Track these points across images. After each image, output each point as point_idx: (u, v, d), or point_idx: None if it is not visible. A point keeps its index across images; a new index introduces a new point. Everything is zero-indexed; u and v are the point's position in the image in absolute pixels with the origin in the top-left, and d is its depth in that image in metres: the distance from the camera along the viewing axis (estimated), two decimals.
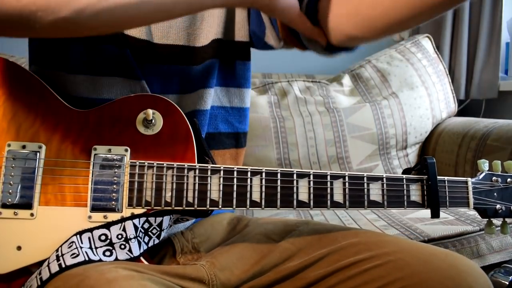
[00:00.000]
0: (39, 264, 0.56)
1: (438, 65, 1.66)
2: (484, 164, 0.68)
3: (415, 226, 1.04)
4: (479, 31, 1.80)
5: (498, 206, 0.67)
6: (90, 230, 0.57)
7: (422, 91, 1.59)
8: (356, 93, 1.62)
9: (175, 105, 0.63)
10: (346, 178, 0.62)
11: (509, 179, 0.68)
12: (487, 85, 1.80)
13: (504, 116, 1.77)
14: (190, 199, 0.59)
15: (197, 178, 0.59)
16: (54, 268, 0.53)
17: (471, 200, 0.66)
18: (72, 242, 0.56)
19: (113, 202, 0.58)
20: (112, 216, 0.58)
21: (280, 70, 1.81)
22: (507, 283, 0.88)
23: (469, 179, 0.66)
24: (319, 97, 1.59)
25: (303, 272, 0.63)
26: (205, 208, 0.59)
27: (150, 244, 0.60)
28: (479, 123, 1.47)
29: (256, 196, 0.60)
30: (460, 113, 1.84)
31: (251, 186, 0.60)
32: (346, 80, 1.66)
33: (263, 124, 1.48)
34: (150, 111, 0.60)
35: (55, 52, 0.66)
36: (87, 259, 0.54)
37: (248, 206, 0.60)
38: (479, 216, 1.09)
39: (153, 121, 0.61)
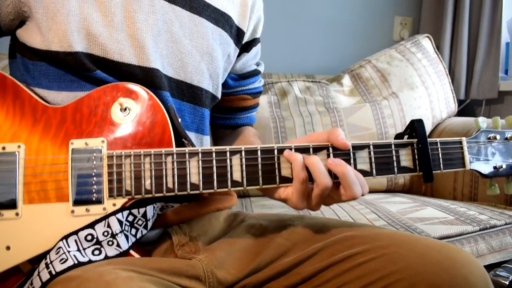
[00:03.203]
0: (29, 261, 0.57)
1: (438, 65, 1.66)
2: (481, 121, 0.63)
3: (415, 225, 1.04)
4: (479, 31, 1.80)
5: (498, 164, 0.63)
6: (75, 232, 0.57)
7: (422, 91, 1.59)
8: (356, 93, 1.62)
9: (149, 91, 0.63)
10: (330, 149, 0.60)
11: (509, 135, 0.64)
12: (487, 85, 1.80)
13: (504, 116, 1.76)
14: (170, 185, 0.58)
15: (175, 163, 0.58)
16: (45, 276, 0.53)
17: (467, 161, 0.62)
18: (59, 247, 0.55)
19: (94, 195, 0.58)
20: (94, 209, 0.58)
21: (280, 70, 1.81)
22: (507, 283, 0.88)
23: (464, 138, 0.62)
24: (319, 97, 1.59)
25: (298, 267, 0.63)
26: (185, 193, 0.58)
27: (138, 235, 0.60)
28: None
29: (237, 176, 0.59)
30: (460, 113, 1.85)
31: (231, 166, 0.59)
32: (346, 80, 1.66)
33: (263, 124, 1.48)
34: (122, 100, 0.61)
35: (42, 74, 0.66)
36: (76, 262, 0.54)
37: (229, 187, 0.59)
38: (479, 216, 1.10)
39: (127, 109, 0.61)
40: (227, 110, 0.89)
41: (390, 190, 1.56)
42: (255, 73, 0.90)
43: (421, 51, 1.67)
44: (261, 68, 0.92)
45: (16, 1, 0.64)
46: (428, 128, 1.61)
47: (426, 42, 1.70)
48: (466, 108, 1.93)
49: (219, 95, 0.79)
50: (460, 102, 1.86)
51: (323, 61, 2.03)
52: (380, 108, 1.55)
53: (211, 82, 0.75)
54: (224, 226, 0.74)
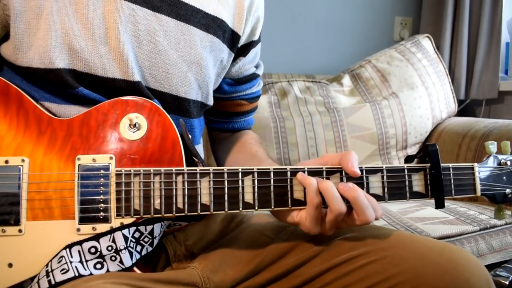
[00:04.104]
0: (32, 279, 0.55)
1: (438, 65, 1.66)
2: (491, 146, 0.63)
3: (415, 225, 1.04)
4: (479, 31, 1.80)
5: (508, 190, 0.63)
6: (80, 242, 0.55)
7: (422, 91, 1.59)
8: (356, 93, 1.62)
9: (160, 107, 0.60)
10: (343, 173, 0.59)
11: None
12: (487, 85, 1.80)
13: (504, 116, 1.77)
14: (180, 205, 0.56)
15: (186, 183, 0.57)
16: (44, 285, 0.53)
17: (478, 187, 0.62)
18: (62, 256, 0.54)
19: (101, 213, 0.56)
20: (101, 227, 0.56)
21: (280, 70, 1.81)
22: (507, 282, 0.88)
23: (476, 164, 0.62)
24: (319, 97, 1.59)
25: (298, 269, 0.63)
26: (196, 214, 0.57)
27: (143, 252, 0.59)
28: (479, 123, 1.47)
29: (248, 197, 0.57)
30: (460, 113, 1.85)
31: (243, 188, 0.57)
32: (346, 80, 1.66)
33: (263, 124, 1.48)
34: (132, 115, 0.58)
35: (25, 87, 0.63)
36: (77, 274, 0.53)
37: (241, 208, 0.57)
38: (479, 216, 1.10)
39: (137, 125, 0.58)
40: (223, 115, 0.86)
41: None
42: (253, 77, 0.85)
43: (421, 51, 1.67)
44: (260, 71, 0.88)
45: (1, 14, 0.61)
46: (428, 128, 1.61)
47: (426, 42, 1.70)
48: (466, 108, 1.93)
49: (210, 102, 0.76)
50: (460, 102, 1.86)
51: (323, 61, 2.03)
52: (380, 108, 1.55)
53: (200, 92, 0.72)
54: (221, 228, 0.73)
